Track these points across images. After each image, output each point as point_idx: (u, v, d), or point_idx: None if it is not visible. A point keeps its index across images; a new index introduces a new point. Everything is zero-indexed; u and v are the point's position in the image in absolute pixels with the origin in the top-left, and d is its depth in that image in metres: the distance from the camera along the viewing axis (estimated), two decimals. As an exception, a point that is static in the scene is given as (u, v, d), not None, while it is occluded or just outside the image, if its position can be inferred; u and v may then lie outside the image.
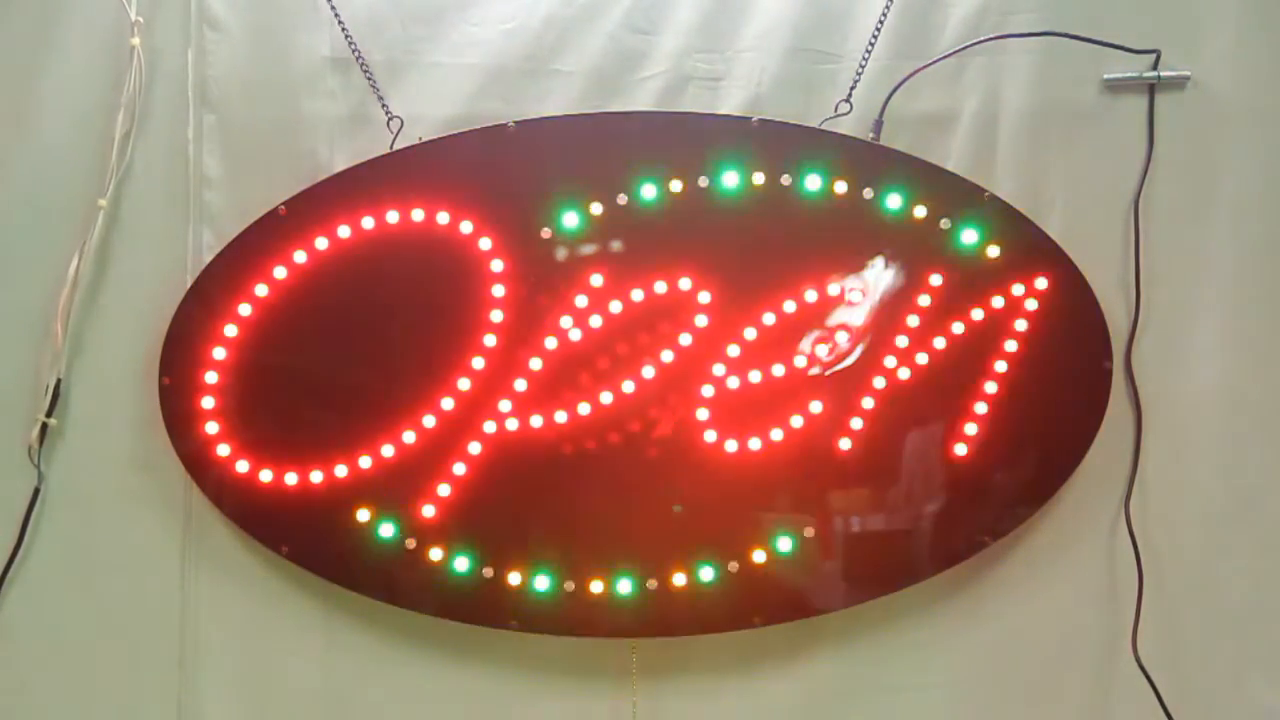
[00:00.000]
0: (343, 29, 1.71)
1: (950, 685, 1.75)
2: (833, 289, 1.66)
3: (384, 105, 1.71)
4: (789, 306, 1.66)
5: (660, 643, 1.70)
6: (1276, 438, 1.74)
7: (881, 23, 1.71)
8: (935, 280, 1.66)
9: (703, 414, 1.66)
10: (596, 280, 1.66)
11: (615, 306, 1.66)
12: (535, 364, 1.66)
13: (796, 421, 1.66)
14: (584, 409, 1.66)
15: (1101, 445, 1.69)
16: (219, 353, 1.65)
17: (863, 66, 1.71)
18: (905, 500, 1.68)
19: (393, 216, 1.66)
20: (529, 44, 1.73)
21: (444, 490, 1.66)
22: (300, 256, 1.66)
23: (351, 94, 1.73)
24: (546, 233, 1.66)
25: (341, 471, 1.65)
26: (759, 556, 1.66)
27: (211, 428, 1.66)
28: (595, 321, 1.66)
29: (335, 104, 1.73)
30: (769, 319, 1.66)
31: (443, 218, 1.66)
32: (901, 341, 1.66)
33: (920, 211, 1.66)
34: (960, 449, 1.66)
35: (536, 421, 1.66)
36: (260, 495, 1.66)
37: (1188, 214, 1.74)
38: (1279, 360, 1.74)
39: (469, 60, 1.73)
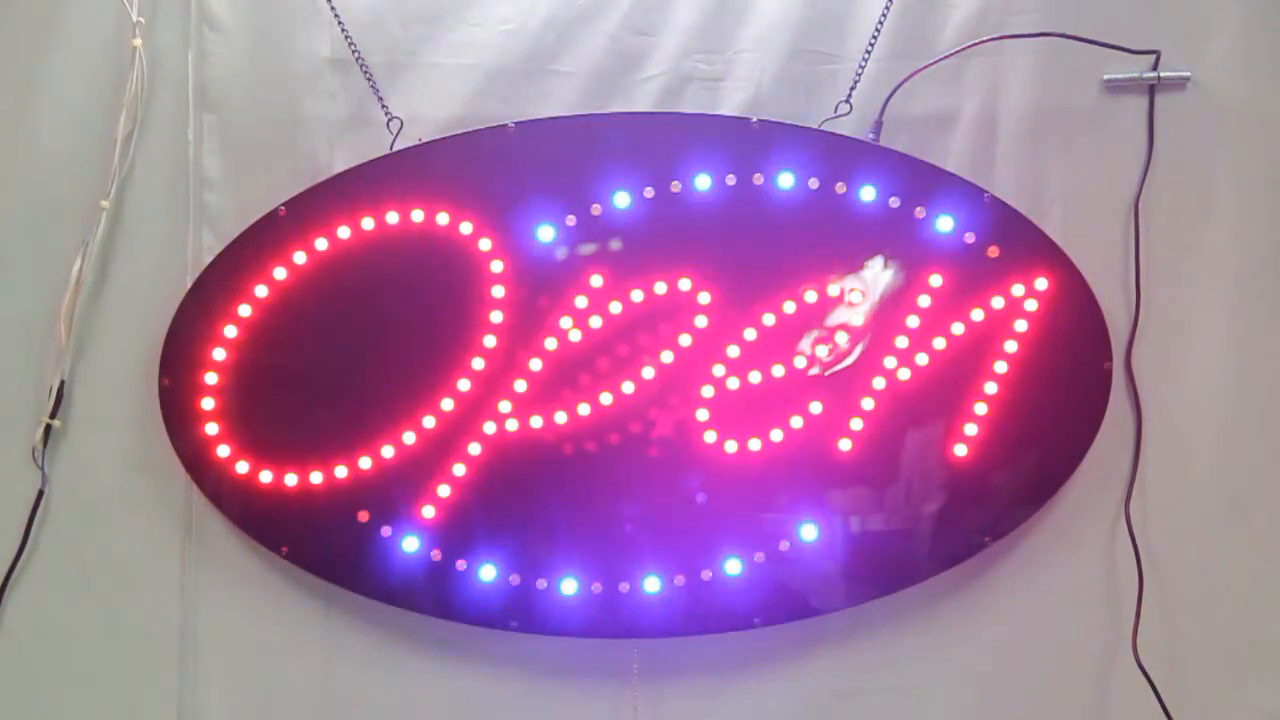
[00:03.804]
0: (343, 29, 1.71)
1: (950, 685, 1.75)
2: (832, 290, 1.66)
3: (384, 106, 1.71)
4: (789, 307, 1.66)
5: (660, 643, 1.71)
6: (1276, 438, 1.74)
7: (881, 23, 1.71)
8: (935, 281, 1.66)
9: (703, 415, 1.66)
10: (596, 281, 1.66)
11: (615, 307, 1.66)
12: (535, 365, 1.66)
13: (796, 422, 1.66)
14: (584, 410, 1.66)
15: (1101, 445, 1.69)
16: (219, 353, 1.66)
17: (862, 67, 1.71)
18: (905, 501, 1.68)
19: (393, 217, 1.66)
20: (529, 45, 1.73)
21: (444, 491, 1.66)
22: (300, 257, 1.66)
23: (351, 94, 1.73)
24: (546, 233, 1.66)
25: (341, 472, 1.66)
26: (759, 557, 1.66)
27: (211, 429, 1.66)
28: (595, 322, 1.66)
29: (335, 104, 1.73)
30: (769, 320, 1.66)
31: (442, 219, 1.66)
32: (901, 342, 1.66)
33: (920, 212, 1.65)
34: (960, 449, 1.66)
35: (536, 422, 1.66)
36: (260, 496, 1.66)
37: (1188, 214, 1.74)
38: (1279, 360, 1.73)
39: (469, 61, 1.73)
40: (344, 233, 1.66)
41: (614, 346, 1.67)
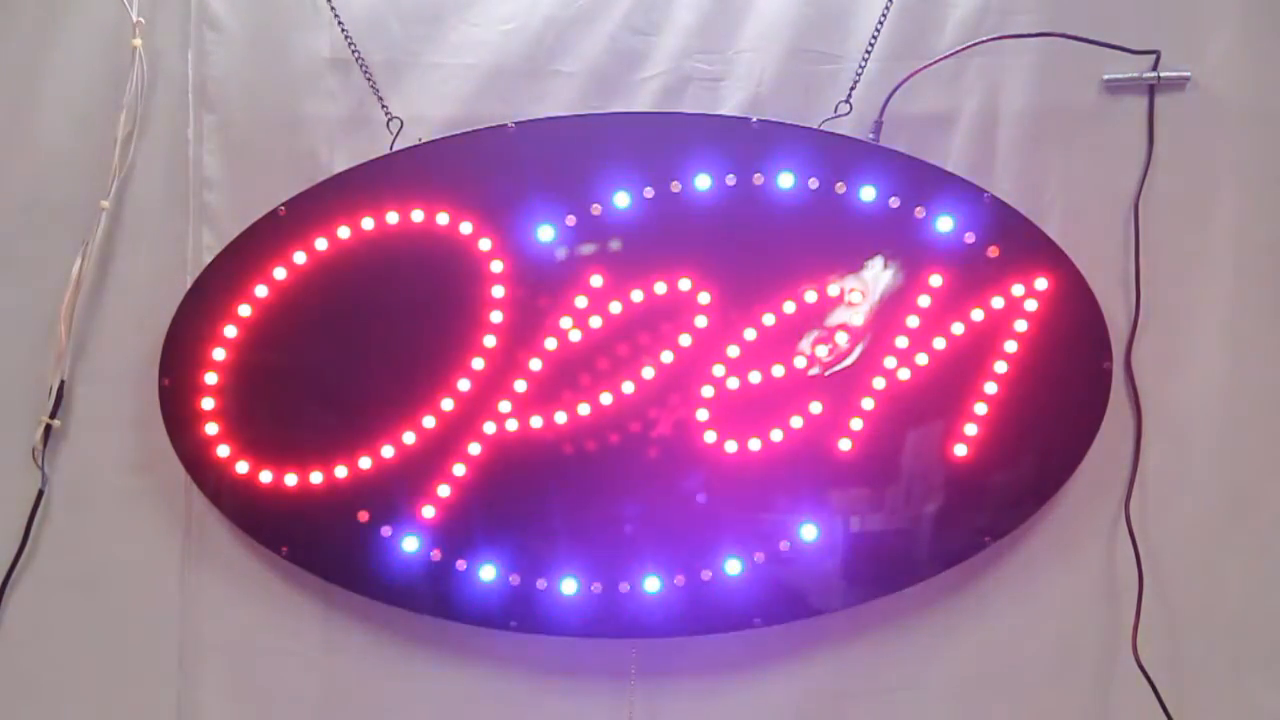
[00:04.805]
0: (343, 29, 1.71)
1: (950, 685, 1.75)
2: (832, 290, 1.66)
3: (384, 106, 1.71)
4: (789, 307, 1.66)
5: (660, 643, 1.71)
6: (1276, 438, 1.74)
7: (881, 23, 1.71)
8: (935, 281, 1.66)
9: (702, 415, 1.66)
10: (596, 281, 1.66)
11: (615, 307, 1.66)
12: (535, 365, 1.66)
13: (796, 422, 1.66)
14: (584, 410, 1.66)
15: (1101, 445, 1.68)
16: (219, 353, 1.66)
17: (862, 67, 1.71)
18: (905, 501, 1.68)
19: (392, 217, 1.66)
20: (529, 45, 1.73)
21: (444, 491, 1.66)
22: (300, 257, 1.66)
23: (351, 94, 1.73)
24: (546, 233, 1.66)
25: (341, 472, 1.66)
26: (759, 557, 1.66)
27: (211, 429, 1.66)
28: (595, 322, 1.66)
29: (335, 104, 1.73)
30: (769, 320, 1.66)
31: (442, 219, 1.66)
32: (901, 342, 1.66)
33: (920, 212, 1.65)
34: (960, 449, 1.66)
35: (536, 422, 1.66)
36: (260, 496, 1.66)
37: (1188, 214, 1.74)
38: (1278, 360, 1.73)
39: (469, 61, 1.73)
40: (344, 233, 1.66)
41: (614, 346, 1.67)
